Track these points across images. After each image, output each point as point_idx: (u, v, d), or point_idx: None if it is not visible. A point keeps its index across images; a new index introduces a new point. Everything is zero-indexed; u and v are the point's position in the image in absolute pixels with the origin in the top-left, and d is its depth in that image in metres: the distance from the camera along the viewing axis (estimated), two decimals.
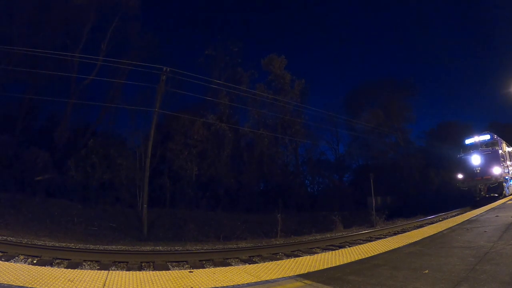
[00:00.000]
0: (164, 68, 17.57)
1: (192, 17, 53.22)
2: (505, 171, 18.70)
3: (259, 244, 11.62)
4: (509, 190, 18.72)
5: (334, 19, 71.15)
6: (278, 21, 64.61)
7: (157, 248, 10.20)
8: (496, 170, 17.57)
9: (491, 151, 18.45)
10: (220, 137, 25.46)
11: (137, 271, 5.10)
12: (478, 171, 18.39)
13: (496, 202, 14.38)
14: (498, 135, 19.96)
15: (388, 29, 69.58)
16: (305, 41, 66.19)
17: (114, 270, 6.53)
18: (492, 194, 17.90)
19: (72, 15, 21.78)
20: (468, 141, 20.11)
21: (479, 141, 19.35)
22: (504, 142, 20.34)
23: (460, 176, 19.42)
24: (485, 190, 18.27)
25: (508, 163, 19.88)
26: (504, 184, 18.04)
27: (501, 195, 17.63)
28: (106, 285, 3.39)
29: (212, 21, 49.93)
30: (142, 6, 25.30)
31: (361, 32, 69.50)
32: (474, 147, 19.45)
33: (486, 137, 19.37)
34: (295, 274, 4.07)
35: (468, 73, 61.31)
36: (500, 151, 18.71)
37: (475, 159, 18.70)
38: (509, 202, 13.30)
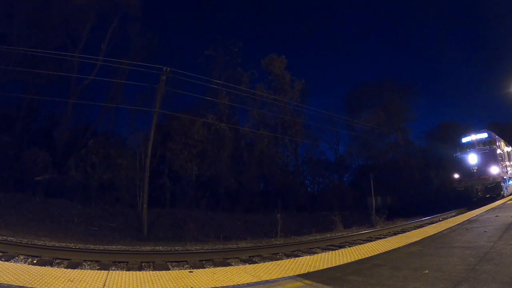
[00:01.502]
0: (164, 68, 17.58)
1: (192, 17, 53.23)
2: (504, 170, 18.07)
3: (259, 244, 11.62)
4: (507, 191, 18.10)
5: (334, 19, 71.20)
6: (278, 21, 64.63)
7: (157, 248, 10.20)
8: (494, 170, 16.94)
9: (488, 150, 17.75)
10: (220, 137, 25.44)
11: (137, 271, 5.10)
12: (475, 170, 17.70)
13: (496, 202, 14.18)
14: (498, 135, 19.37)
15: (388, 29, 69.65)
16: (305, 41, 66.25)
17: (114, 270, 6.53)
18: (489, 195, 17.29)
19: (72, 15, 21.74)
20: (465, 140, 19.42)
21: (476, 139, 18.63)
22: (502, 140, 19.67)
23: (456, 176, 18.76)
24: (482, 191, 17.57)
25: (507, 163, 19.30)
26: (502, 184, 17.37)
27: (499, 196, 17.02)
28: (106, 285, 3.38)
29: (212, 21, 49.88)
30: (142, 6, 25.25)
31: (361, 32, 69.55)
32: (471, 145, 18.73)
33: (484, 135, 18.65)
34: (295, 274, 4.07)
35: (468, 73, 61.34)
36: (498, 150, 18.04)
37: (472, 158, 18.00)
38: (509, 202, 13.28)
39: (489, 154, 17.59)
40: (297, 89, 30.07)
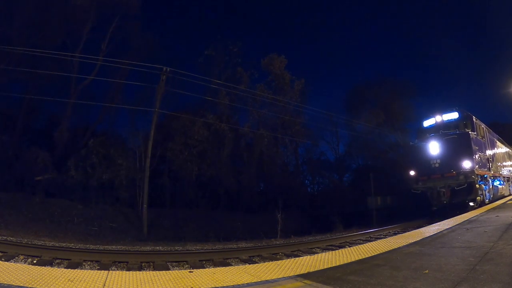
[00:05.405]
0: (164, 68, 17.61)
1: (192, 17, 53.25)
2: (483, 166, 12.77)
3: (259, 244, 11.62)
4: (490, 195, 13.09)
5: (334, 19, 71.22)
6: (278, 21, 64.64)
7: (157, 248, 10.21)
8: (466, 164, 11.59)
9: (457, 135, 12.24)
10: (220, 137, 25.46)
11: (137, 271, 5.09)
12: (436, 165, 12.47)
13: (495, 202, 13.17)
14: (498, 135, 16.32)
15: (388, 29, 69.73)
16: (305, 41, 66.31)
17: (114, 270, 6.53)
18: (459, 201, 12.01)
19: (72, 15, 21.75)
20: (426, 123, 13.97)
21: (442, 121, 13.18)
22: (482, 124, 13.86)
23: (412, 173, 13.53)
24: (448, 195, 12.21)
25: (489, 154, 13.84)
26: (480, 185, 11.98)
27: (475, 202, 11.66)
28: (106, 285, 3.38)
29: (212, 21, 49.93)
30: (142, 6, 25.32)
31: (361, 32, 69.60)
32: (434, 129, 13.27)
33: (453, 115, 13.03)
34: (295, 274, 4.07)
35: (468, 73, 61.37)
36: (474, 136, 12.31)
37: (433, 148, 12.54)
38: (509, 202, 13.24)
39: (458, 141, 12.09)
40: (297, 89, 30.06)
